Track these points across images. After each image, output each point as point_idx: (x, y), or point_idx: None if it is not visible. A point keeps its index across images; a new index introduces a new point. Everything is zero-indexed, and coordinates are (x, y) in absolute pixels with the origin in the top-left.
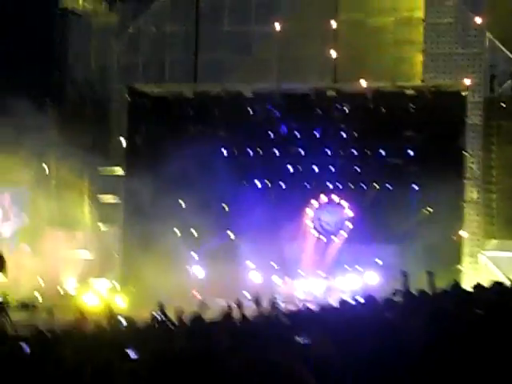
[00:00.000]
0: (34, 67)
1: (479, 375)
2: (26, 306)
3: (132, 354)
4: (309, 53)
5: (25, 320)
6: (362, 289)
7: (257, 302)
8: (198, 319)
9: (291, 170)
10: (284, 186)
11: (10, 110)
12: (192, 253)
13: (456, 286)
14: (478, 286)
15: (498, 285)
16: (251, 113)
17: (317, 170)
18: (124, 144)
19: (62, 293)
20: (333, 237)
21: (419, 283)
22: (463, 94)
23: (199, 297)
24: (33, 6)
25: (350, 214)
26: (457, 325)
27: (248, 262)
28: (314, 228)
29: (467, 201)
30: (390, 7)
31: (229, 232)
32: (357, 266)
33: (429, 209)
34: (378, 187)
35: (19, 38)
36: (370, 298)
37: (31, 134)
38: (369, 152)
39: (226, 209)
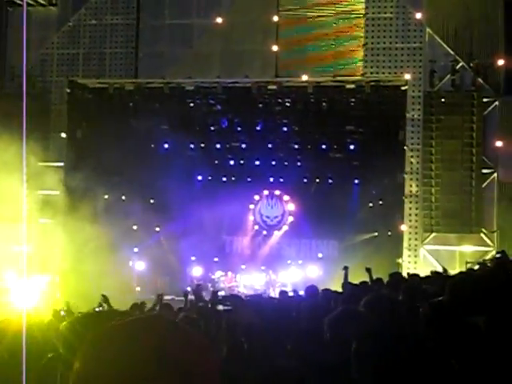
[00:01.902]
0: None
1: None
2: None
3: None
4: (250, 47)
5: None
6: (303, 282)
7: (197, 292)
8: (137, 306)
9: (232, 164)
10: (225, 180)
11: None
12: (132, 247)
13: (394, 274)
14: (413, 275)
15: (435, 274)
16: (192, 106)
17: (258, 163)
18: (64, 137)
19: None
20: (275, 231)
21: (360, 277)
22: (403, 88)
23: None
24: None
25: (292, 208)
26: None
27: (190, 256)
28: (256, 222)
29: (407, 195)
30: (330, 1)
31: (170, 225)
32: (299, 261)
33: (369, 203)
34: (319, 181)
35: None
36: (310, 288)
37: None
38: (310, 146)
39: (168, 202)
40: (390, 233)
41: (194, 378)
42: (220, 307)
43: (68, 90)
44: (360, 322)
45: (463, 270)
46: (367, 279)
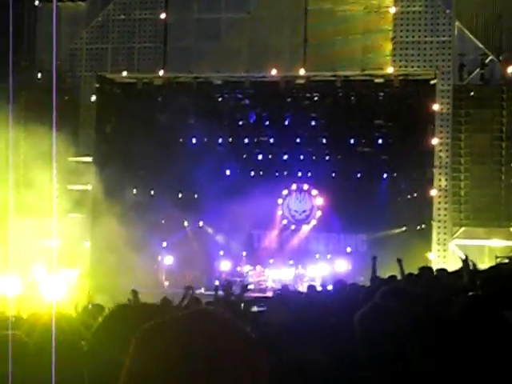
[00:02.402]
0: (1, 54)
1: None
2: None
3: None
4: (278, 41)
5: None
6: (331, 276)
7: (226, 288)
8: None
9: (260, 158)
10: (253, 174)
11: None
12: (161, 241)
13: (424, 269)
14: (442, 270)
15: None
16: (220, 100)
17: (286, 158)
18: (93, 132)
19: (28, 280)
20: (303, 225)
21: (389, 271)
22: (432, 82)
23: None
24: None
25: (320, 202)
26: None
27: (218, 251)
28: (284, 216)
29: (436, 189)
30: None
31: (198, 220)
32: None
33: (398, 198)
34: (347, 176)
35: None
36: (339, 282)
37: None
38: (338, 140)
39: (196, 197)
40: (418, 227)
41: (244, 374)
42: (254, 308)
43: (97, 85)
44: (392, 317)
45: (493, 264)
46: (396, 273)
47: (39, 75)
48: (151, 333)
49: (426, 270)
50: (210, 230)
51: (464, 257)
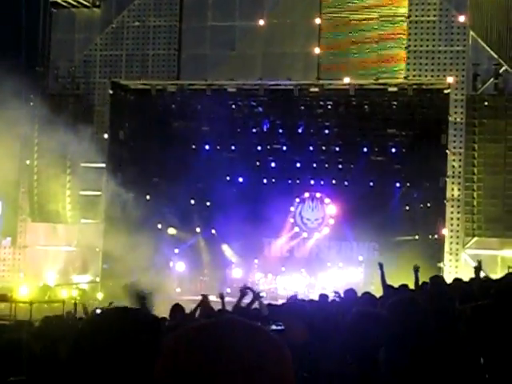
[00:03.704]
0: (16, 59)
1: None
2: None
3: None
4: (292, 49)
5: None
6: (342, 285)
7: (243, 292)
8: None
9: (273, 166)
10: (266, 182)
11: None
12: (173, 248)
13: (435, 278)
14: (457, 280)
15: (477, 279)
16: (234, 108)
17: (299, 166)
18: (106, 138)
19: (40, 285)
20: (315, 233)
21: (400, 279)
22: (446, 91)
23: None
24: None
25: (332, 210)
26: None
27: (230, 258)
28: (296, 224)
29: (449, 198)
30: (373, 4)
31: (210, 227)
32: (340, 264)
33: (411, 207)
34: (360, 184)
35: (1, 29)
36: (349, 292)
37: (13, 127)
38: (351, 149)
39: (208, 204)
40: (431, 236)
41: (273, 378)
42: (273, 327)
43: (111, 91)
44: (380, 324)
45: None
46: (408, 281)
47: (54, 81)
48: (179, 341)
49: (437, 279)
50: (221, 237)
51: (476, 264)
